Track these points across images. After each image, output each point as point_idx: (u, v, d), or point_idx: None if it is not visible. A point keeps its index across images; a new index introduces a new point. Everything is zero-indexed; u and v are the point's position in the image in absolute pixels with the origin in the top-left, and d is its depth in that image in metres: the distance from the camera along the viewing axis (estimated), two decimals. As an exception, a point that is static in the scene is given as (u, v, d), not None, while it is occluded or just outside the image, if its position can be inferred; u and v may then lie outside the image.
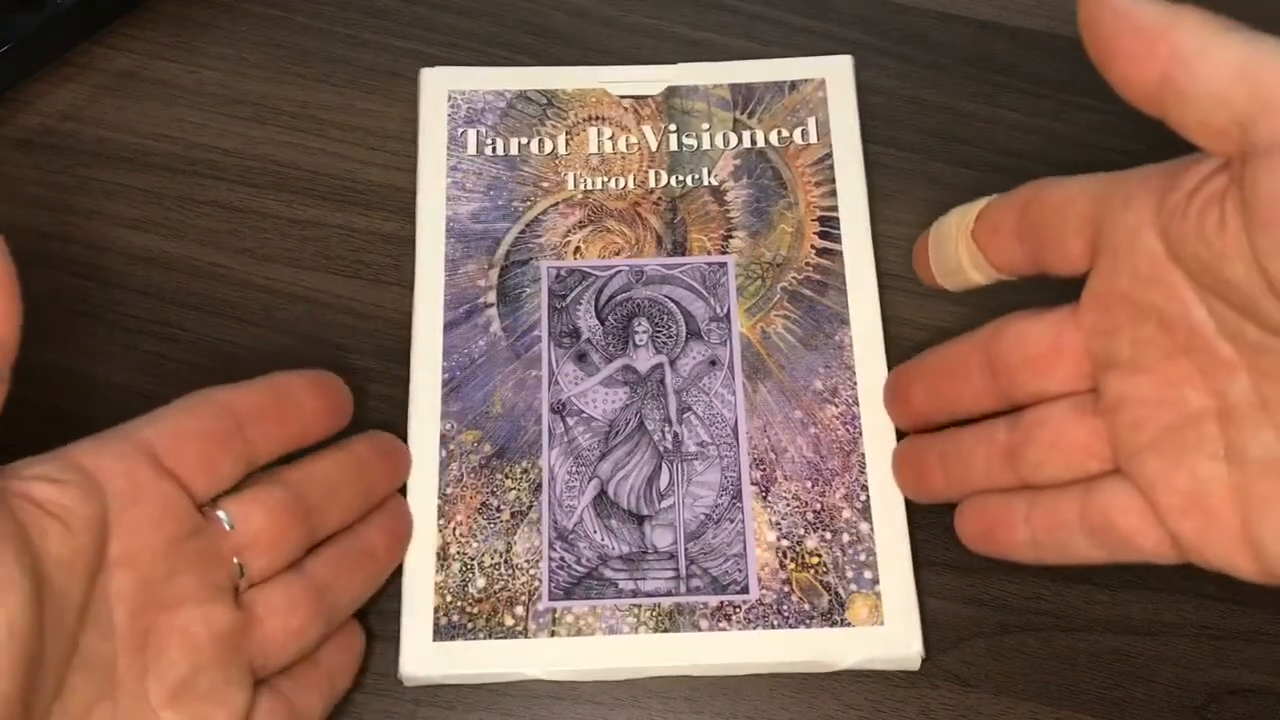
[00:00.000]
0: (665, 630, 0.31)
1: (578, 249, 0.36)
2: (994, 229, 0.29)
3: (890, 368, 0.34)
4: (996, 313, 0.30)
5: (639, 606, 0.32)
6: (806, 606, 0.32)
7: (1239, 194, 0.23)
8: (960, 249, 0.29)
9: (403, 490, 0.33)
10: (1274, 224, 0.22)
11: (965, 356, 0.30)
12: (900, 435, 0.33)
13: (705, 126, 0.38)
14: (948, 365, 0.31)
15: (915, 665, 0.31)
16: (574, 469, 0.33)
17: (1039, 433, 0.28)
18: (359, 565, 0.31)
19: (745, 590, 0.32)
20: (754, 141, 0.37)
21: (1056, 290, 0.28)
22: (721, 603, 0.32)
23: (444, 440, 0.33)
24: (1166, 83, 0.23)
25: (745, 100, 0.38)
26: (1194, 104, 0.23)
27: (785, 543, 0.32)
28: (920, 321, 0.36)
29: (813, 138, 0.37)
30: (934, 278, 0.31)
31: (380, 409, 0.34)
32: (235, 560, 0.28)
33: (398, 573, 0.32)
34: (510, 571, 0.32)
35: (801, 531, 0.32)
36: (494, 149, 0.37)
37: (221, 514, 0.28)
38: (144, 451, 0.27)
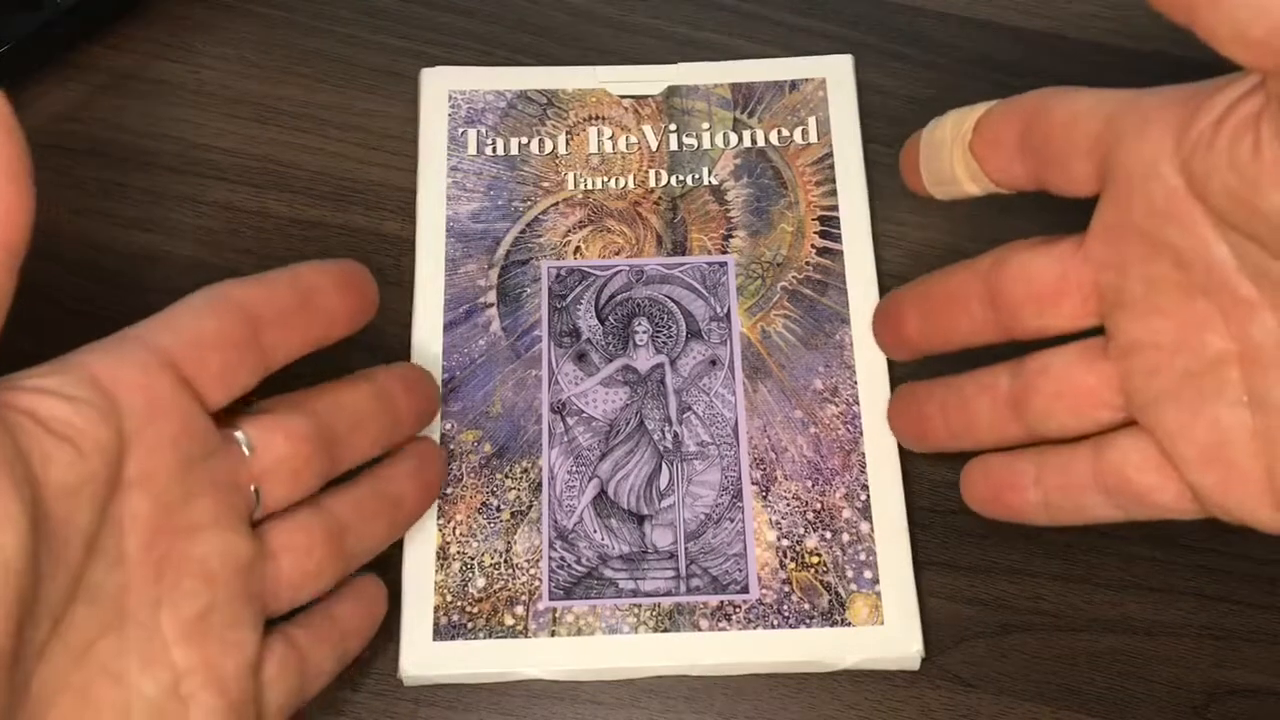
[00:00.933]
0: (665, 630, 0.31)
1: (578, 249, 0.36)
2: (994, 142, 0.27)
3: (890, 367, 0.34)
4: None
5: (639, 606, 0.32)
6: (806, 606, 0.32)
7: (1279, 112, 0.21)
8: (955, 159, 0.28)
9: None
10: None
11: (965, 285, 0.28)
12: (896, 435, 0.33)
13: (705, 126, 0.38)
14: (946, 294, 0.29)
15: (915, 665, 0.31)
16: (574, 469, 0.33)
17: (1043, 381, 0.27)
18: (383, 511, 0.29)
19: (745, 590, 0.32)
20: (754, 141, 0.37)
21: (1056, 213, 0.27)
22: (721, 602, 0.32)
23: (444, 440, 0.33)
24: None
25: (745, 100, 0.38)
26: (1229, 11, 0.20)
27: (785, 542, 0.32)
28: (920, 321, 0.36)
29: (813, 137, 0.37)
30: (923, 186, 0.29)
31: (380, 409, 0.34)
32: (253, 487, 0.26)
33: (398, 573, 0.32)
34: (510, 571, 0.32)
35: (802, 531, 0.32)
36: (494, 149, 0.37)
37: (240, 435, 0.26)
38: (164, 361, 0.24)
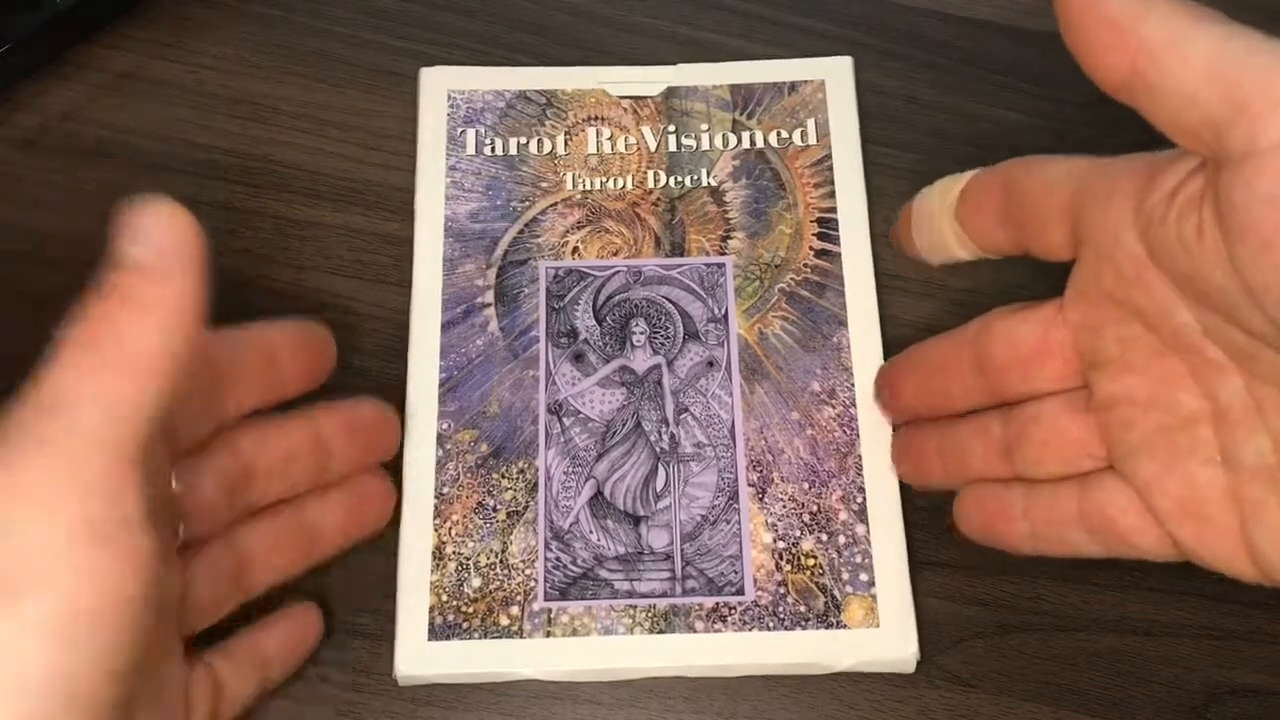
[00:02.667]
0: (660, 631, 0.31)
1: (576, 249, 0.36)
2: (977, 210, 0.28)
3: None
4: (992, 308, 0.29)
5: (634, 607, 0.32)
6: (802, 608, 0.32)
7: (1215, 200, 0.22)
8: (944, 226, 0.28)
9: (397, 473, 0.32)
10: (1249, 235, 0.21)
11: (954, 354, 0.30)
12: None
13: (704, 127, 0.38)
14: (937, 362, 0.30)
15: (910, 668, 0.31)
16: (570, 469, 0.33)
17: (1033, 429, 0.28)
18: (292, 543, 0.30)
19: (741, 592, 0.32)
20: (753, 142, 0.37)
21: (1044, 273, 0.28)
22: (717, 604, 0.32)
23: (441, 439, 0.33)
24: (1136, 77, 0.22)
25: (744, 101, 0.38)
26: (1165, 101, 0.22)
27: (781, 544, 0.32)
28: (919, 323, 0.36)
29: (812, 139, 0.37)
30: (916, 250, 0.30)
31: (378, 409, 0.34)
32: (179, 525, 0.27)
33: (393, 573, 0.32)
34: (506, 571, 0.32)
35: (798, 533, 0.32)
36: (493, 149, 0.37)
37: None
38: None
